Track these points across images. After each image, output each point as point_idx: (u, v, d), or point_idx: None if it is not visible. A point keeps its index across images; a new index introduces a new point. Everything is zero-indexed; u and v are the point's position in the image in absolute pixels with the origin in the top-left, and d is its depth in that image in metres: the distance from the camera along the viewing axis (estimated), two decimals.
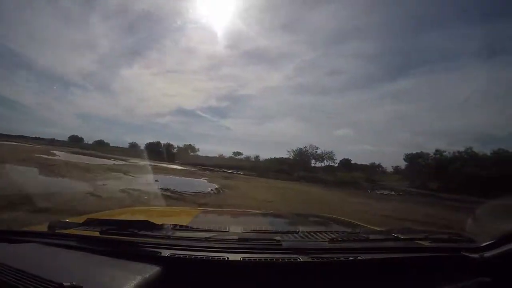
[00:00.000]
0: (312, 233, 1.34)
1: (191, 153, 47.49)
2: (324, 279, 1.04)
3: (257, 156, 51.28)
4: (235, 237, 1.20)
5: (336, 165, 45.89)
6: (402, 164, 41.14)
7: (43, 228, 1.29)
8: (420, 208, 14.16)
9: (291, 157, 45.02)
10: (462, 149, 32.08)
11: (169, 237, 1.16)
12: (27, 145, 36.45)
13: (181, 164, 36.06)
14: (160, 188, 11.01)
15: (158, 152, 44.61)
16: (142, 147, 52.71)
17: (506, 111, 42.05)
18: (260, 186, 19.58)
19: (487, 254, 1.19)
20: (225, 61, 72.79)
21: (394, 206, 14.65)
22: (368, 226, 2.11)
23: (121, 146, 53.60)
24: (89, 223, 1.27)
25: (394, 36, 62.49)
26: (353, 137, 64.30)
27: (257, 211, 3.84)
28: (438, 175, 30.75)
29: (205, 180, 19.65)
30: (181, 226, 1.33)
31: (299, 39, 71.90)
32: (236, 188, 15.71)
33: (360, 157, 63.75)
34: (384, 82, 69.14)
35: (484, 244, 1.23)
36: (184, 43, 68.61)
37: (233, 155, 52.16)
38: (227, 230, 1.34)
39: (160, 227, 1.23)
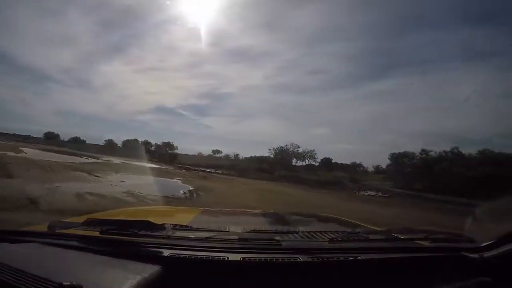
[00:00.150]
0: (312, 233, 1.35)
1: (170, 151, 45.91)
2: (324, 279, 1.04)
3: (237, 155, 50.49)
4: (235, 237, 1.20)
5: (317, 164, 45.85)
6: (383, 163, 41.61)
7: (43, 228, 1.28)
8: (424, 214, 13.32)
9: (272, 155, 44.48)
10: (447, 148, 31.99)
11: (169, 237, 1.17)
12: None
13: (157, 163, 34.74)
14: (124, 192, 9.97)
15: (135, 150, 43.12)
16: (120, 144, 51.21)
17: (486, 114, 43.58)
18: (240, 187, 18.12)
19: (487, 254, 1.19)
20: (207, 59, 72.35)
21: (397, 211, 13.44)
22: (368, 226, 2.10)
23: (97, 144, 51.90)
24: (89, 223, 1.27)
25: (375, 37, 63.79)
26: (333, 136, 65.34)
27: (257, 211, 3.77)
28: (425, 175, 30.05)
29: (179, 181, 18.29)
30: (181, 226, 1.33)
31: (281, 38, 73.06)
32: (213, 190, 14.32)
33: (340, 156, 64.47)
34: (364, 82, 70.26)
35: (484, 244, 1.23)
36: (166, 40, 68.10)
37: (212, 154, 51.09)
38: (227, 230, 1.32)
39: (160, 227, 1.23)
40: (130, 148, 43.61)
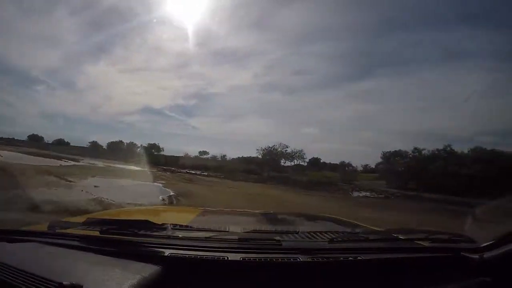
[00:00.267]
0: (312, 233, 1.35)
1: (155, 153, 44.89)
2: (324, 279, 1.04)
3: (224, 156, 49.05)
4: (235, 237, 1.20)
5: (305, 164, 45.64)
6: (371, 162, 41.59)
7: (43, 227, 1.28)
8: (435, 216, 11.97)
9: (260, 156, 43.93)
10: (440, 147, 31.25)
11: (169, 237, 1.16)
12: None
13: (141, 165, 33.80)
14: (92, 199, 9.26)
15: (120, 151, 42.11)
16: (105, 146, 50.04)
17: (470, 114, 43.85)
18: (227, 192, 16.86)
19: (487, 255, 1.18)
20: (194, 59, 70.69)
21: (403, 216, 12.03)
22: (368, 226, 2.09)
23: (81, 146, 50.38)
24: (89, 223, 1.27)
25: (362, 37, 63.55)
26: (321, 136, 64.60)
27: (257, 211, 3.68)
28: (419, 174, 29.31)
29: (160, 185, 16.95)
30: (181, 225, 1.33)
31: (268, 38, 72.44)
32: (196, 196, 13.09)
33: (328, 156, 64.05)
34: (351, 81, 69.12)
35: (484, 245, 1.23)
36: (153, 40, 65.88)
37: (199, 155, 50.09)
38: (227, 230, 1.32)
39: (160, 226, 1.23)
40: (115, 150, 43.09)
